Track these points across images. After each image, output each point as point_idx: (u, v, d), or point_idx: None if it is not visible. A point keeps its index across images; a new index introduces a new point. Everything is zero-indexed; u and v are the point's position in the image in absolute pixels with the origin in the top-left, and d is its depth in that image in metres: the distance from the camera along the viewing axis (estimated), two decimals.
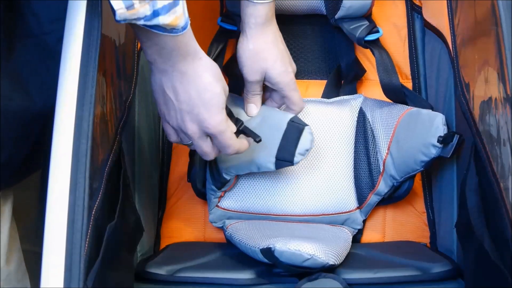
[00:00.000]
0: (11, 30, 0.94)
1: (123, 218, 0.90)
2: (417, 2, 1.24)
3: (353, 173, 1.15)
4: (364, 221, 1.17)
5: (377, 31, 1.18)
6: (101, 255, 0.79)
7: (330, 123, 1.15)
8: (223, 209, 1.13)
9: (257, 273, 0.99)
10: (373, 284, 0.98)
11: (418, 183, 1.19)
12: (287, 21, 1.22)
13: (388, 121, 1.13)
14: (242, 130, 0.99)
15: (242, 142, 0.97)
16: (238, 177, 1.11)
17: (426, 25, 1.19)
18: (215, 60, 1.17)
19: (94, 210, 0.78)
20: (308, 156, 1.09)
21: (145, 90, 1.12)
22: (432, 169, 1.17)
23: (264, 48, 1.05)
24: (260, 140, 0.99)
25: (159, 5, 0.78)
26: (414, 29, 1.25)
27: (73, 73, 0.79)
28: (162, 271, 1.00)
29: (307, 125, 1.04)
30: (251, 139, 0.99)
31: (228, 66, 1.20)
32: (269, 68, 1.05)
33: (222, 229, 1.14)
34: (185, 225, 1.19)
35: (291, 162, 1.03)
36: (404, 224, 1.18)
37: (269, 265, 0.99)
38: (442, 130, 1.05)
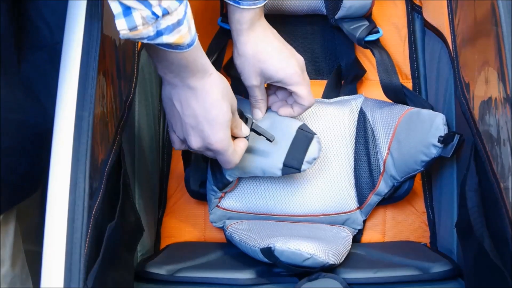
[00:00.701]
0: (22, 41, 0.95)
1: (123, 218, 0.90)
2: (417, 2, 1.24)
3: (353, 173, 1.15)
4: (364, 221, 1.17)
5: (377, 31, 1.18)
6: (101, 255, 0.79)
7: (331, 123, 1.15)
8: (224, 209, 1.13)
9: (257, 273, 0.99)
10: (373, 284, 0.98)
11: (418, 183, 1.19)
12: (287, 21, 1.22)
13: (389, 121, 1.13)
14: (253, 129, 1.00)
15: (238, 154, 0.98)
16: (239, 179, 1.11)
17: (426, 25, 1.19)
18: (215, 60, 1.17)
19: (94, 210, 0.79)
20: None
21: (145, 90, 1.12)
22: (432, 169, 1.17)
23: (256, 51, 1.03)
24: (273, 139, 1.02)
25: (163, 25, 0.79)
26: (414, 29, 1.25)
27: (73, 73, 0.79)
28: (162, 271, 1.00)
29: (315, 134, 1.05)
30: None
31: (228, 66, 1.21)
32: (265, 69, 1.03)
33: (222, 229, 1.14)
34: (185, 225, 1.19)
35: (298, 170, 1.04)
36: (404, 224, 1.18)
37: (269, 265, 0.99)
38: (442, 130, 1.05)
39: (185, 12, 0.81)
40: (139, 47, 1.07)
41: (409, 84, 1.23)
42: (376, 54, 1.16)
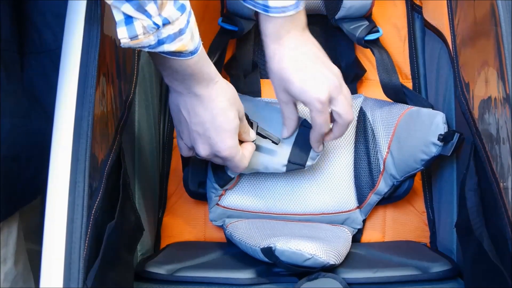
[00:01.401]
0: (25, 46, 0.95)
1: (123, 217, 0.91)
2: (417, 2, 1.24)
3: (353, 173, 1.15)
4: (364, 221, 1.17)
5: (377, 31, 1.18)
6: (101, 254, 0.79)
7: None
8: (223, 207, 1.13)
9: (257, 272, 0.99)
10: (373, 283, 0.98)
11: (418, 182, 1.19)
12: None
13: (388, 120, 1.13)
14: (259, 132, 1.01)
15: (246, 158, 0.98)
16: (240, 176, 1.12)
17: (426, 25, 1.19)
18: (216, 61, 1.17)
19: (94, 210, 0.79)
20: None
21: (145, 90, 1.12)
22: (432, 169, 1.17)
23: (280, 68, 0.96)
24: (279, 142, 1.02)
25: (164, 35, 0.79)
26: (414, 29, 1.25)
27: (73, 72, 0.79)
28: (162, 270, 1.00)
29: None
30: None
31: (228, 66, 1.21)
32: (288, 89, 0.96)
33: (222, 227, 1.14)
34: (185, 225, 1.19)
35: (303, 166, 1.04)
36: (404, 224, 1.18)
37: (269, 264, 0.99)
38: (442, 129, 1.05)
39: (188, 21, 0.81)
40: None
41: (409, 84, 1.23)
42: (376, 54, 1.16)
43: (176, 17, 0.78)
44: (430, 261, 1.02)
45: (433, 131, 1.05)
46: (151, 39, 0.78)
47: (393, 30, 1.24)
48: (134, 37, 0.77)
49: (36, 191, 0.94)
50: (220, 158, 0.95)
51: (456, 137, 1.03)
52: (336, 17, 1.18)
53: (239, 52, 1.23)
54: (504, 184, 0.82)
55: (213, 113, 0.90)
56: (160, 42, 0.79)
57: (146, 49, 0.80)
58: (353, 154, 1.15)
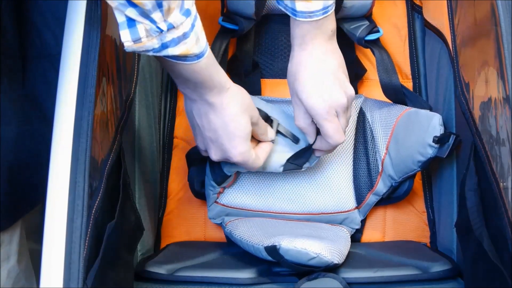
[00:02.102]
0: (27, 50, 0.95)
1: (123, 217, 0.91)
2: (417, 2, 1.24)
3: (352, 173, 1.15)
4: (363, 221, 1.17)
5: (377, 31, 1.18)
6: (101, 254, 0.79)
7: None
8: (222, 205, 1.13)
9: (257, 272, 0.99)
10: (373, 283, 0.98)
11: (418, 182, 1.19)
12: (287, 22, 1.22)
13: (387, 121, 1.13)
14: (279, 131, 1.02)
15: (260, 159, 0.99)
16: (238, 173, 1.12)
17: (426, 25, 1.19)
18: (220, 60, 1.17)
19: (94, 209, 0.79)
20: None
21: (145, 89, 1.12)
22: (432, 169, 1.17)
23: (296, 71, 0.96)
24: (298, 141, 1.03)
25: (168, 38, 0.79)
26: (415, 29, 1.25)
27: (73, 72, 0.79)
28: (162, 270, 1.00)
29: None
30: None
31: (230, 65, 1.21)
32: (297, 91, 0.96)
33: (221, 225, 1.14)
34: (185, 225, 1.19)
35: (300, 167, 1.05)
36: (404, 224, 1.18)
37: (269, 264, 0.99)
38: (438, 130, 1.05)
39: (192, 25, 0.81)
40: None
41: (409, 84, 1.23)
42: (376, 54, 1.16)
43: (181, 22, 0.78)
44: (430, 261, 1.02)
45: (430, 132, 1.05)
46: (155, 43, 0.79)
47: (393, 30, 1.24)
48: (137, 40, 0.77)
49: (39, 197, 0.95)
50: (233, 162, 0.97)
51: (452, 139, 1.03)
52: (337, 17, 1.18)
53: (240, 52, 1.23)
54: (504, 184, 0.82)
55: (225, 120, 0.91)
56: (164, 46, 0.79)
57: (151, 53, 0.80)
58: (352, 154, 1.15)
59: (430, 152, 1.06)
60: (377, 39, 1.19)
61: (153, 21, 0.76)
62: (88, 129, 0.77)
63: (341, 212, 1.13)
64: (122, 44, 0.78)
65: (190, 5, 0.79)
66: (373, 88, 1.23)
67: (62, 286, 0.72)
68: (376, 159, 1.14)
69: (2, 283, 0.94)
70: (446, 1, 1.08)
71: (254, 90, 1.20)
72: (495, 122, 0.86)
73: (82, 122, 0.77)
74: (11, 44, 0.93)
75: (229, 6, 1.19)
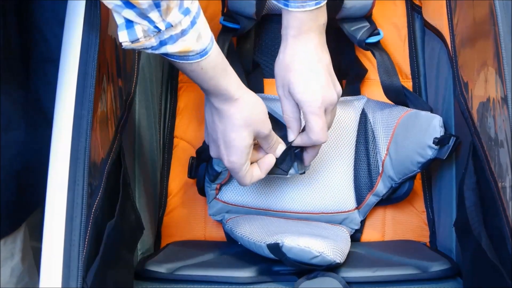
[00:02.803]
0: (31, 54, 0.96)
1: (123, 216, 0.91)
2: (417, 2, 1.24)
3: (353, 173, 1.15)
4: (363, 221, 1.17)
5: (378, 33, 1.18)
6: (100, 253, 0.79)
7: (334, 122, 1.15)
8: (223, 202, 1.13)
9: (257, 271, 1.00)
10: (372, 282, 0.98)
11: (418, 182, 1.19)
12: None
13: (388, 122, 1.13)
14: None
15: (253, 177, 0.98)
16: None
17: (426, 25, 1.19)
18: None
19: (93, 208, 0.79)
20: None
21: (145, 89, 1.13)
22: (431, 169, 1.17)
23: (289, 61, 0.95)
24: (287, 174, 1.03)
25: (166, 35, 0.79)
26: (414, 29, 1.25)
27: (72, 71, 0.79)
28: (162, 269, 1.00)
29: None
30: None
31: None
32: (288, 83, 0.95)
33: (221, 222, 1.14)
34: (185, 224, 1.19)
35: (285, 173, 1.03)
36: (404, 223, 1.18)
37: (269, 263, 0.99)
38: (439, 132, 1.05)
39: (192, 23, 0.80)
40: None
41: (409, 84, 1.23)
42: (377, 56, 1.16)
43: (179, 20, 0.78)
44: (429, 260, 1.02)
45: (430, 134, 1.05)
46: (153, 41, 0.79)
47: (393, 30, 1.24)
48: (135, 40, 0.78)
49: (42, 199, 0.95)
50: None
51: (452, 140, 1.03)
52: (337, 17, 1.18)
53: (240, 51, 1.23)
54: (503, 183, 0.82)
55: (226, 128, 0.92)
56: (162, 43, 0.79)
57: (149, 51, 0.80)
58: (353, 154, 1.15)
59: (430, 153, 1.06)
60: (378, 41, 1.19)
61: (151, 21, 0.76)
62: (87, 128, 0.77)
63: (341, 212, 1.13)
64: (120, 44, 0.78)
65: (190, 3, 0.79)
66: (374, 88, 1.23)
67: (61, 285, 0.72)
68: (377, 160, 1.14)
69: (6, 281, 0.94)
70: (445, 2, 1.08)
71: (256, 89, 1.20)
72: (493, 122, 0.87)
73: (81, 121, 0.78)
74: (17, 49, 0.93)
75: (230, 6, 1.19)
